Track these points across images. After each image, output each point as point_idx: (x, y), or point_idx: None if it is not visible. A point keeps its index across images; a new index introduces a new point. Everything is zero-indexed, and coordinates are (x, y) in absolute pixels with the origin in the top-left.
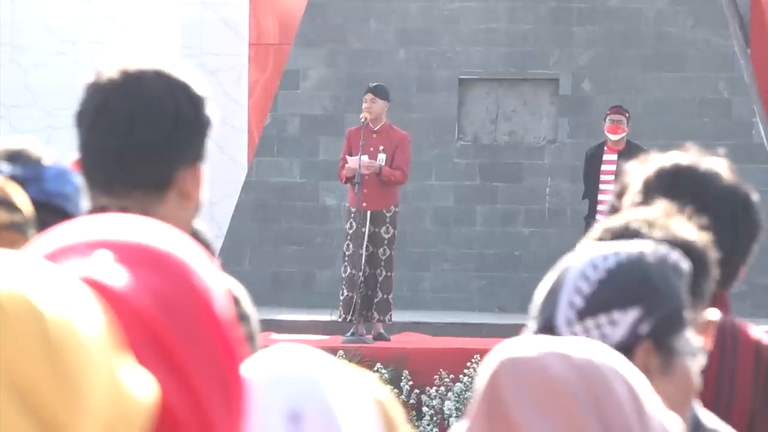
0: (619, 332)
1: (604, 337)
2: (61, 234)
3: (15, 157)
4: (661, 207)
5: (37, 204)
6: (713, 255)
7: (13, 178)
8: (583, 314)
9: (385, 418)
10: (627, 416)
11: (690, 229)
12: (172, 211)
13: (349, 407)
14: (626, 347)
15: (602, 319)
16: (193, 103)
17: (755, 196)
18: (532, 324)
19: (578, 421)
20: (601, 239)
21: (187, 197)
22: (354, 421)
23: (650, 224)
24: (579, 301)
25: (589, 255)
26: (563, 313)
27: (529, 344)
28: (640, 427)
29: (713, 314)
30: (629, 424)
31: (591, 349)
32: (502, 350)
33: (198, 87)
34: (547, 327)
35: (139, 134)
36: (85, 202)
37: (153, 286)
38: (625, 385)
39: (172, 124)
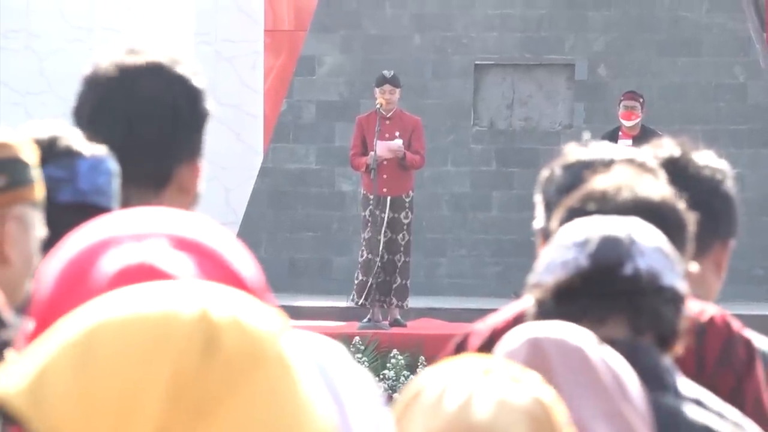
0: None
1: None
2: (98, 228)
3: (46, 150)
4: (629, 169)
5: (70, 206)
6: (683, 209)
7: (47, 180)
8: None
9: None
10: (638, 414)
11: (656, 188)
12: (169, 205)
13: (354, 390)
14: None
15: None
16: (191, 97)
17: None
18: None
19: (615, 399)
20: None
21: (185, 192)
22: (359, 404)
23: (618, 187)
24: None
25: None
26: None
27: (552, 329)
28: (643, 426)
29: (693, 267)
30: (640, 418)
31: (600, 346)
32: (525, 331)
33: (196, 79)
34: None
35: (138, 133)
36: (116, 185)
37: (196, 273)
38: (636, 386)
39: (170, 121)
